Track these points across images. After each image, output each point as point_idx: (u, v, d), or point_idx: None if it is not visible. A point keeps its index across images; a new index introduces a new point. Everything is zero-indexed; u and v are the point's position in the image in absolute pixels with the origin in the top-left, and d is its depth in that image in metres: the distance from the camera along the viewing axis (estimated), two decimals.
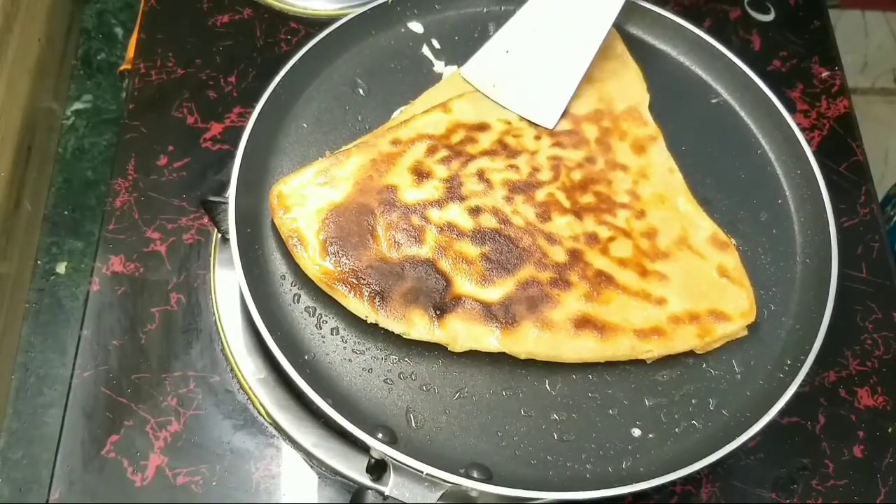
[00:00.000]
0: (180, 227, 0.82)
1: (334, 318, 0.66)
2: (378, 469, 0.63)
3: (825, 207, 0.72)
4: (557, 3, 0.78)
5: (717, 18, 1.00)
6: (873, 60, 1.46)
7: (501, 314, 0.64)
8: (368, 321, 0.64)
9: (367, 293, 0.64)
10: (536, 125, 0.75)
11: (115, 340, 0.76)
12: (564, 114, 0.76)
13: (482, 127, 0.75)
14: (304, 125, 0.76)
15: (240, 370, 0.75)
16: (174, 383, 0.75)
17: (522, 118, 0.76)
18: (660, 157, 0.75)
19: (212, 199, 0.71)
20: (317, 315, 0.66)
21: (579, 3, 0.77)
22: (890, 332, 0.81)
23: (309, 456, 0.72)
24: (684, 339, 0.66)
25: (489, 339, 0.64)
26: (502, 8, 0.84)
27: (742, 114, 0.80)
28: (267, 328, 0.62)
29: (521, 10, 0.78)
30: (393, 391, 0.64)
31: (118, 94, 0.99)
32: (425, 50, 0.82)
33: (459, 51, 0.81)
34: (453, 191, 0.70)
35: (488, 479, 0.59)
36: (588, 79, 0.78)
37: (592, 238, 0.69)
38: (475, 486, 0.57)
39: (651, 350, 0.65)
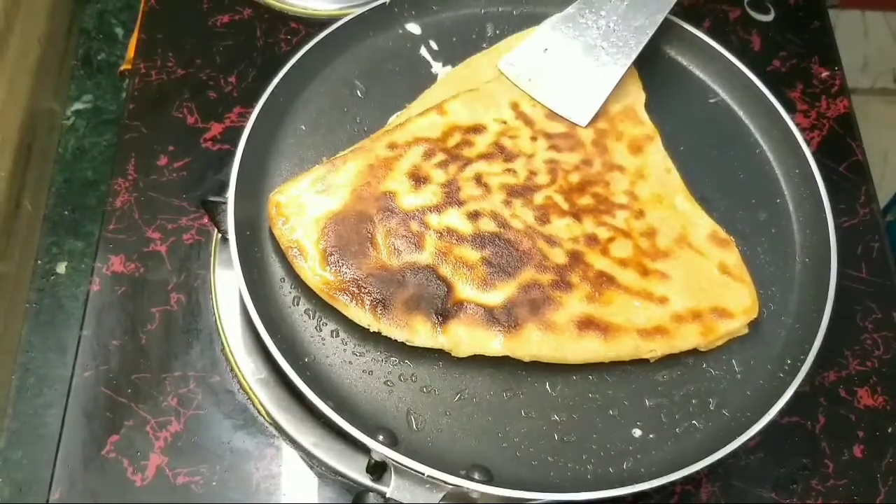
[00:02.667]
0: (180, 227, 0.82)
1: (334, 321, 0.66)
2: (378, 469, 0.63)
3: (824, 207, 0.72)
4: (600, 7, 0.79)
5: (717, 18, 1.00)
6: (873, 60, 1.46)
7: (504, 318, 0.64)
8: (371, 330, 0.64)
9: (368, 302, 0.64)
10: (532, 126, 0.75)
11: (115, 340, 0.76)
12: (559, 119, 0.76)
13: (478, 128, 0.74)
14: (303, 127, 0.76)
15: (240, 370, 0.75)
16: (174, 383, 0.75)
17: (518, 117, 0.76)
18: (656, 156, 0.75)
19: (212, 199, 0.71)
20: (317, 317, 0.66)
21: (622, 8, 0.79)
22: (890, 331, 0.81)
23: (309, 456, 0.72)
24: (687, 338, 0.66)
25: (493, 343, 0.64)
26: (500, 9, 0.84)
27: (740, 113, 0.79)
28: (267, 331, 0.62)
29: (567, 10, 0.80)
30: (393, 393, 0.64)
31: (118, 94, 1.00)
32: (423, 51, 0.82)
33: (457, 52, 0.81)
34: (451, 195, 0.70)
35: (489, 480, 0.59)
36: None
37: (592, 239, 0.69)
38: (476, 487, 0.57)
39: (654, 349, 0.65)
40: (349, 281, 0.65)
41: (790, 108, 0.78)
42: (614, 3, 0.79)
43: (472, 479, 0.58)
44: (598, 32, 0.78)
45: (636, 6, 0.79)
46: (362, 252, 0.66)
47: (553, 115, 0.76)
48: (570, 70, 0.78)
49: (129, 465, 0.71)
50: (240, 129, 0.72)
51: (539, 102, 0.77)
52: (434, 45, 0.82)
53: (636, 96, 0.78)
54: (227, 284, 0.79)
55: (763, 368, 0.66)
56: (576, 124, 0.75)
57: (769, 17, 1.00)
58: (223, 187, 0.79)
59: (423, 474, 0.57)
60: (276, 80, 0.74)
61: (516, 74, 0.78)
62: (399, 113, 0.77)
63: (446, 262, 0.66)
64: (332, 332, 0.66)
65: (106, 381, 0.74)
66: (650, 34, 0.77)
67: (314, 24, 0.95)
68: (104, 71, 1.02)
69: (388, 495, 0.58)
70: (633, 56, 0.77)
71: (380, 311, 0.64)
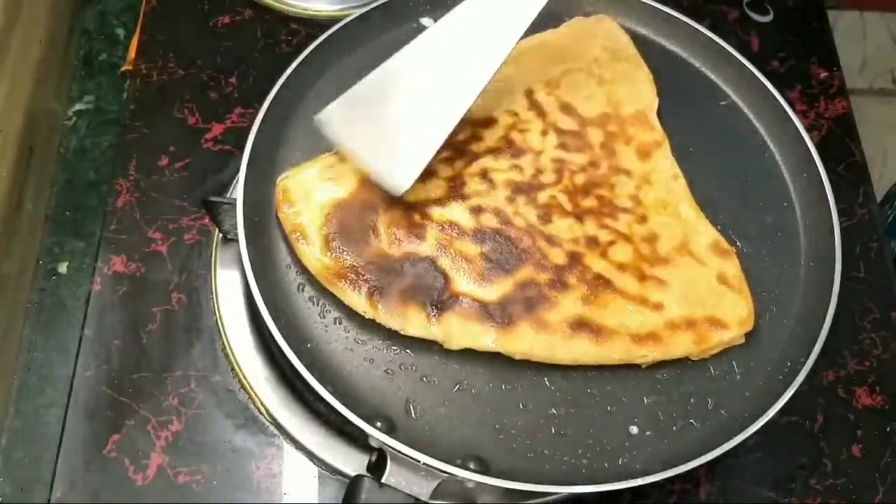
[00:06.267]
0: (181, 227, 0.83)
1: (337, 309, 0.66)
2: (379, 468, 0.64)
3: (830, 211, 0.71)
4: (432, 52, 0.69)
5: (716, 19, 1.00)
6: (871, 61, 1.46)
7: (498, 314, 0.64)
8: (367, 316, 0.65)
9: (366, 289, 0.65)
10: (545, 118, 0.75)
11: (116, 340, 0.77)
12: (571, 114, 0.76)
13: (488, 122, 0.74)
14: (314, 118, 0.76)
15: (240, 370, 0.75)
16: (175, 383, 0.75)
17: (531, 107, 0.75)
18: (664, 163, 0.74)
19: (213, 199, 0.72)
20: (320, 304, 0.66)
21: (456, 55, 0.69)
22: (888, 331, 0.82)
23: (310, 455, 0.72)
24: (680, 346, 0.65)
25: (485, 338, 0.64)
26: None
27: (750, 116, 0.79)
28: (270, 314, 0.62)
29: (394, 57, 0.69)
30: (393, 382, 0.64)
31: (120, 94, 1.00)
32: None
33: None
34: (456, 190, 0.70)
35: (484, 470, 0.59)
36: (598, 80, 0.78)
37: (592, 241, 0.69)
38: (471, 476, 0.57)
39: (646, 355, 0.65)
40: (349, 267, 0.65)
41: None
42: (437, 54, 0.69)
43: (468, 469, 0.58)
44: (428, 80, 0.69)
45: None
46: (364, 240, 0.66)
47: (566, 108, 0.76)
48: (393, 128, 0.68)
49: (130, 464, 0.71)
50: (241, 130, 0.72)
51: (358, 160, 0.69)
52: None
53: (650, 101, 0.77)
54: (228, 284, 0.79)
55: (763, 370, 0.66)
56: (393, 190, 0.67)
57: (768, 18, 1.01)
58: (224, 187, 0.80)
59: (419, 462, 0.58)
60: (289, 71, 0.74)
61: (333, 131, 0.69)
62: None
63: (446, 255, 0.66)
64: (335, 319, 0.66)
65: (107, 381, 0.75)
66: (483, 85, 0.68)
67: (315, 25, 0.95)
68: (105, 71, 1.02)
69: (383, 480, 0.58)
70: (464, 110, 0.68)
71: (377, 299, 0.64)
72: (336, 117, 0.69)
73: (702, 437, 0.63)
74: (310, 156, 0.73)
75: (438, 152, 0.69)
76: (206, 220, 0.82)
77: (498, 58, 0.68)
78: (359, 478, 0.59)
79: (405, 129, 0.69)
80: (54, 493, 0.70)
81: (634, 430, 0.63)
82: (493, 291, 0.65)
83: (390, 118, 0.69)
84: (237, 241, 0.66)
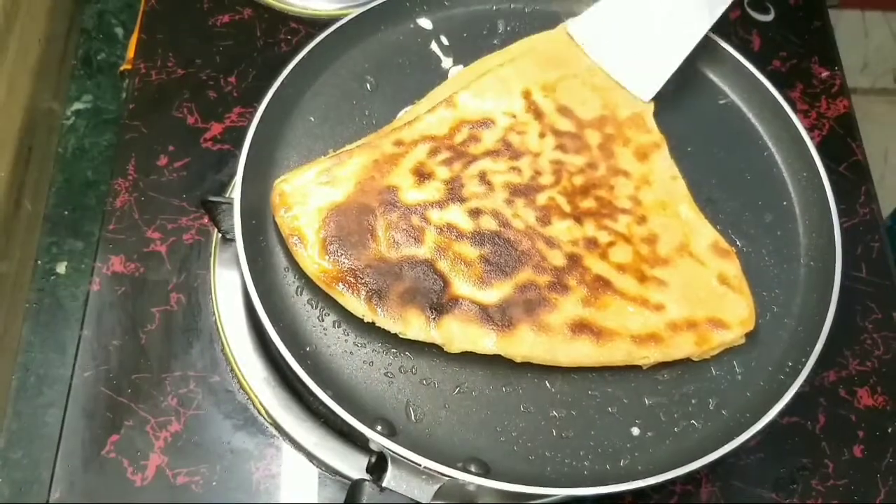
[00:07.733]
0: (180, 227, 0.82)
1: (336, 312, 0.66)
2: (378, 469, 0.63)
3: (830, 210, 0.71)
4: None
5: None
6: (873, 60, 1.46)
7: (498, 317, 0.64)
8: (365, 320, 0.65)
9: (364, 293, 0.64)
10: (542, 119, 0.75)
11: (115, 340, 0.76)
12: (569, 116, 0.76)
13: (486, 122, 0.74)
14: (311, 119, 0.76)
15: (240, 370, 0.75)
16: (174, 383, 0.75)
17: (529, 109, 0.75)
18: (662, 164, 0.74)
19: (212, 198, 0.71)
20: (319, 307, 0.66)
21: None
22: (890, 332, 0.81)
23: (309, 456, 0.72)
24: (681, 347, 0.65)
25: (485, 341, 0.63)
26: (511, 6, 0.84)
27: (749, 115, 0.79)
28: (269, 319, 0.62)
29: None
30: (393, 385, 0.64)
31: (118, 94, 0.99)
32: (434, 46, 0.81)
33: (467, 48, 0.81)
34: (454, 192, 0.70)
35: (485, 473, 0.59)
36: (592, 87, 0.77)
37: (592, 243, 0.69)
38: (472, 479, 0.57)
39: (647, 356, 0.65)
40: (347, 271, 0.65)
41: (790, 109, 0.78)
42: None
43: (469, 472, 0.58)
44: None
45: None
46: (362, 243, 0.66)
47: (563, 110, 0.76)
48: (639, 39, 0.77)
49: (128, 464, 0.71)
50: (240, 129, 0.72)
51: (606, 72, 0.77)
52: (445, 41, 0.82)
53: (646, 104, 0.78)
54: (227, 284, 0.79)
55: (764, 370, 0.66)
56: (639, 98, 0.77)
57: (769, 17, 1.01)
58: (223, 187, 0.79)
59: (420, 465, 0.57)
60: (286, 71, 0.74)
61: (583, 38, 0.78)
62: (408, 108, 0.77)
63: (444, 258, 0.66)
64: (334, 322, 0.66)
65: (106, 381, 0.74)
66: (724, 7, 0.77)
67: (314, 24, 0.95)
68: (104, 71, 1.02)
69: (384, 485, 0.58)
70: (708, 26, 0.77)
71: (375, 302, 0.64)
72: (586, 29, 0.78)
73: (703, 437, 0.63)
74: (307, 155, 0.73)
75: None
76: (206, 220, 0.82)
77: None
78: (359, 482, 0.59)
79: (651, 40, 0.77)
80: (53, 494, 0.70)
81: (636, 431, 0.63)
82: (493, 294, 0.65)
83: (637, 30, 0.78)
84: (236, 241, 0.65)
